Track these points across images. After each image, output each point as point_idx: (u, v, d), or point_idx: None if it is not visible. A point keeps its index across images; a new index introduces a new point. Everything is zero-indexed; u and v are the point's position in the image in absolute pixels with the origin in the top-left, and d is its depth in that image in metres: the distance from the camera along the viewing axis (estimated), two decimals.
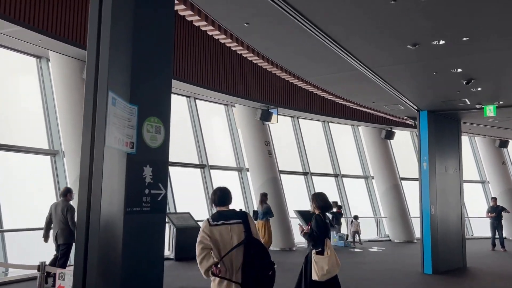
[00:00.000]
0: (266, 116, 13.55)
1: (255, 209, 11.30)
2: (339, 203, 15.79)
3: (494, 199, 14.31)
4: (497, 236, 13.98)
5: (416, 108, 9.52)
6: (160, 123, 3.11)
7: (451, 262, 10.02)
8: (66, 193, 7.21)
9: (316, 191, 5.48)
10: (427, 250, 9.60)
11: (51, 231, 7.19)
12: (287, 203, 14.72)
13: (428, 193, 9.61)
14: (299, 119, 16.15)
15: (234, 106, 14.29)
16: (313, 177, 15.96)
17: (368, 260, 11.41)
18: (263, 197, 10.88)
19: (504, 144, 18.52)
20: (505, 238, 14.19)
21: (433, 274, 9.38)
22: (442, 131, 10.11)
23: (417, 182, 18.79)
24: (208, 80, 12.01)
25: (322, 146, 16.85)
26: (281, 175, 15.02)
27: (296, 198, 15.90)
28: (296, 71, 7.22)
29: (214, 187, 4.21)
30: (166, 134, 3.19)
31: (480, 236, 16.93)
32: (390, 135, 16.90)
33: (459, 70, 6.77)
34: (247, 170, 14.12)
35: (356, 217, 14.82)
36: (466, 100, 8.71)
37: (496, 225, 13.90)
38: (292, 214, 14.16)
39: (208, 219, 3.71)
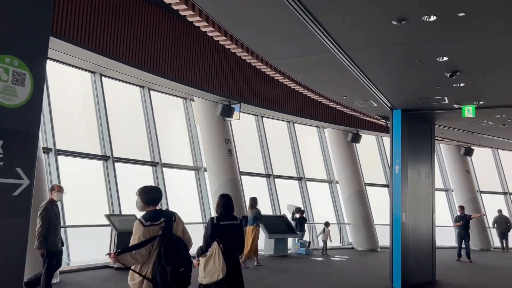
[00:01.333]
0: (227, 112, 12.39)
1: (245, 214, 10.85)
2: (302, 208, 14.82)
3: (461, 207, 13.70)
4: (463, 246, 13.36)
5: (389, 106, 8.62)
6: (24, 68, 1.87)
7: (420, 275, 9.16)
8: (51, 191, 6.43)
9: (223, 193, 5.23)
10: (397, 262, 8.69)
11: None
12: (247, 207, 13.58)
13: (399, 199, 8.71)
14: (263, 118, 15.09)
15: (193, 100, 13.06)
16: (275, 179, 14.92)
17: (332, 271, 10.43)
18: (253, 202, 10.60)
19: (469, 152, 18.13)
20: (471, 249, 13.60)
21: None
22: (416, 133, 9.28)
23: (381, 189, 18.35)
24: (164, 67, 10.74)
25: (286, 147, 15.86)
26: (242, 176, 13.90)
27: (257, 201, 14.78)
28: (259, 49, 6.12)
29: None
30: (37, 89, 1.94)
31: (443, 246, 16.38)
32: (356, 138, 16.11)
33: (445, 58, 5.86)
34: (205, 170, 12.90)
35: (327, 224, 13.83)
36: (445, 98, 7.88)
37: (464, 235, 13.27)
38: None
39: (140, 220, 3.58)
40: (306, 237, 14.31)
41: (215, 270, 4.55)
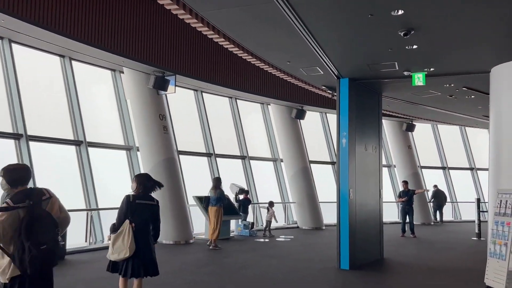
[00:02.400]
0: (161, 84, 11.16)
1: (208, 194, 10.55)
2: (246, 188, 14.01)
3: (405, 182, 13.46)
4: (407, 221, 13.18)
5: (336, 74, 7.85)
6: None
7: (368, 254, 8.64)
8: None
9: (141, 172, 5.20)
10: (344, 242, 8.07)
11: None
12: (186, 189, 12.55)
13: (347, 175, 8.05)
14: (203, 93, 13.98)
15: (123, 72, 11.69)
16: (217, 158, 13.95)
17: (276, 253, 9.71)
18: (217, 182, 10.40)
19: (410, 128, 18.10)
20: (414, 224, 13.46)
21: (351, 269, 7.88)
22: (363, 104, 8.62)
23: (326, 166, 17.96)
24: (87, 33, 9.32)
25: (228, 125, 14.89)
26: (180, 156, 12.81)
27: (197, 182, 13.79)
28: None
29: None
30: None
31: (386, 221, 16.25)
32: (301, 115, 15.44)
33: (401, 12, 5.09)
34: (137, 149, 11.66)
35: (271, 204, 13.08)
36: (396, 64, 7.21)
37: (408, 210, 13.06)
38: (191, 201, 12.04)
39: (7, 202, 3.23)
40: (250, 218, 13.55)
41: (123, 248, 4.61)
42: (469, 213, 19.13)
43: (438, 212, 17.66)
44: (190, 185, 12.88)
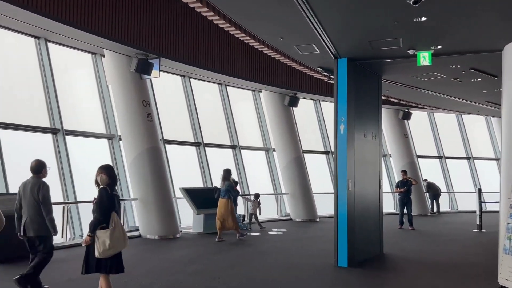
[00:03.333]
0: (144, 68, 10.33)
1: (218, 186, 10.27)
2: (236, 179, 13.27)
3: (404, 172, 12.79)
4: (405, 212, 12.55)
5: (334, 52, 7.09)
6: None
7: (368, 250, 7.96)
8: (41, 169, 5.37)
9: (105, 164, 4.77)
10: (342, 237, 7.37)
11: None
12: (173, 180, 11.80)
13: (345, 164, 7.32)
14: (191, 79, 13.17)
15: (104, 56, 10.83)
16: (206, 148, 13.19)
17: (268, 249, 9.01)
18: (226, 174, 10.02)
19: (407, 116, 17.45)
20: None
21: (349, 267, 7.19)
22: (362, 88, 7.88)
23: (320, 156, 17.26)
24: (64, 11, 8.45)
25: (218, 113, 14.10)
26: (167, 145, 12.03)
27: (185, 173, 13.05)
28: None
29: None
30: None
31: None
32: (294, 102, 14.68)
33: None
34: (120, 138, 10.85)
35: (257, 196, 12.37)
36: (400, 40, 6.47)
37: (406, 201, 12.42)
38: (178, 193, 11.29)
39: None
40: (241, 211, 12.83)
41: (122, 240, 4.50)
42: (466, 204, 18.64)
43: (434, 202, 17.09)
44: (177, 176, 12.13)
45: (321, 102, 16.34)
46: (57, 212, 8.92)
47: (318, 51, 6.98)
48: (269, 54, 7.26)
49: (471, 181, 19.10)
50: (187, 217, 11.39)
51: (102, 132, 11.01)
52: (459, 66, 7.71)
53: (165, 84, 12.77)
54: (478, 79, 8.65)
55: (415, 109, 17.25)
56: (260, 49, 7.05)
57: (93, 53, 11.08)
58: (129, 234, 10.15)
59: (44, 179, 5.37)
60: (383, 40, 6.45)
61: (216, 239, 9.69)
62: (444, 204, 17.70)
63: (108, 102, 11.09)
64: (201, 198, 10.91)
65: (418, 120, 18.41)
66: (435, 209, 17.09)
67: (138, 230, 10.25)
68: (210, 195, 11.34)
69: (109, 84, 10.94)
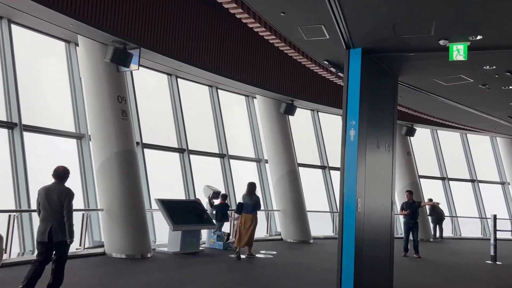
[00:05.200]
0: (121, 59, 8.86)
1: (241, 200, 9.40)
2: (224, 191, 11.76)
3: (410, 192, 11.32)
4: (410, 238, 11.07)
5: (346, 39, 5.68)
6: None
7: (376, 282, 6.47)
8: (67, 177, 5.37)
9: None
10: (348, 268, 5.85)
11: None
12: (150, 190, 10.26)
13: (355, 179, 5.85)
14: (178, 79, 11.71)
15: (78, 45, 9.37)
16: (191, 155, 11.67)
17: (254, 278, 7.45)
18: (254, 187, 9.47)
19: (410, 132, 16.13)
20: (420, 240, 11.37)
21: None
22: (376, 88, 6.49)
23: (315, 170, 15.82)
24: None
25: (207, 117, 12.63)
26: (145, 150, 10.51)
27: (166, 183, 11.51)
28: None
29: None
30: None
31: None
32: (290, 110, 13.27)
33: None
34: (90, 138, 9.31)
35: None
36: (433, 25, 5.08)
37: (412, 225, 10.93)
38: (155, 204, 9.71)
39: None
40: (226, 228, 11.28)
41: None
42: (469, 229, 17.28)
43: (437, 226, 15.64)
44: (156, 186, 10.59)
45: (319, 112, 14.96)
46: (1, 222, 7.38)
47: (328, 37, 5.56)
48: (266, 36, 5.84)
49: (474, 205, 17.72)
50: (163, 233, 9.80)
51: (71, 130, 9.47)
52: (494, 67, 6.34)
53: (149, 81, 11.32)
54: (510, 87, 7.29)
55: (419, 125, 15.96)
56: (253, 27, 5.60)
57: (67, 41, 9.62)
58: (91, 251, 8.56)
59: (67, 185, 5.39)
60: (411, 24, 5.05)
61: (247, 254, 9.25)
62: (446, 229, 16.25)
63: (79, 97, 9.58)
64: (180, 211, 9.36)
65: (420, 138, 17.09)
66: (437, 234, 15.63)
67: (103, 246, 8.66)
68: (190, 209, 9.81)
69: (82, 76, 9.46)
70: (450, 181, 17.51)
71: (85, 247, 8.58)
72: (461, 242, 15.24)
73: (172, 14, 9.76)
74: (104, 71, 9.01)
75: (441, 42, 5.47)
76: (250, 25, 5.60)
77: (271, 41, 6.12)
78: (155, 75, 11.22)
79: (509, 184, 17.92)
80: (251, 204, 9.16)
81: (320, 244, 12.56)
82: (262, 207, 10.36)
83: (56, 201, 5.14)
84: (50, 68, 9.83)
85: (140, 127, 10.40)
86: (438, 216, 15.57)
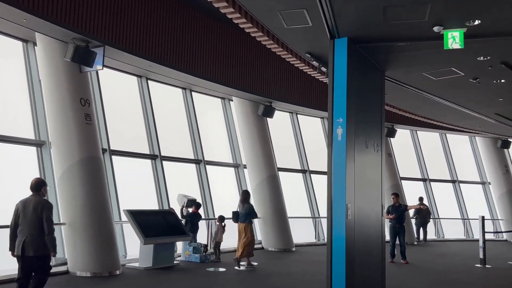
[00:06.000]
0: (83, 58, 8.06)
1: (235, 210, 9.18)
2: (200, 199, 11.01)
3: (396, 195, 10.85)
4: (397, 242, 10.56)
5: (331, 27, 5.08)
6: None
7: None
8: (40, 187, 5.30)
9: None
10: (339, 281, 5.24)
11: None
12: (119, 201, 9.44)
13: (344, 183, 5.24)
14: (148, 81, 10.95)
15: (36, 45, 8.52)
16: (164, 162, 10.88)
17: None
18: (247, 195, 9.29)
19: (391, 133, 15.74)
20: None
21: None
22: (363, 82, 5.93)
23: (295, 174, 15.22)
24: None
25: (180, 122, 11.89)
26: (113, 156, 9.69)
27: (136, 192, 10.68)
28: None
29: None
30: None
31: None
32: (269, 112, 12.64)
33: None
34: (50, 145, 8.44)
35: (221, 219, 10.09)
36: (428, 8, 4.54)
37: (398, 229, 10.44)
38: (124, 216, 8.88)
39: None
40: (204, 239, 10.53)
41: None
42: (451, 231, 16.98)
43: (422, 229, 15.26)
44: (125, 195, 9.77)
45: (298, 115, 14.41)
46: None
47: (311, 24, 4.95)
48: (241, 24, 5.19)
49: (456, 206, 17.46)
50: (135, 247, 8.98)
51: (30, 137, 8.58)
52: (489, 57, 5.86)
53: (117, 82, 10.51)
54: (502, 80, 6.86)
55: (400, 125, 15.60)
56: (227, 12, 4.94)
57: (25, 41, 8.76)
58: (53, 269, 7.67)
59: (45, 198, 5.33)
60: (404, 6, 4.49)
61: (246, 266, 8.92)
62: (429, 231, 15.88)
63: (39, 101, 8.72)
64: (152, 223, 8.59)
65: (400, 139, 16.74)
66: (421, 237, 15.24)
67: (66, 264, 7.79)
68: (164, 220, 9.03)
69: (41, 78, 8.61)
70: (431, 182, 17.20)
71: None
72: (446, 245, 14.90)
73: (140, 9, 9.03)
74: (65, 72, 8.19)
75: (436, 28, 4.94)
76: (223, 10, 4.93)
77: (247, 30, 5.47)
78: (124, 76, 10.43)
79: (489, 184, 17.74)
80: (243, 213, 8.90)
81: (303, 252, 11.95)
82: (258, 215, 9.74)
83: (32, 213, 5.07)
84: (6, 70, 8.93)
85: (107, 132, 9.58)
86: (422, 219, 15.18)
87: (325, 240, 13.89)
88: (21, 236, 5.07)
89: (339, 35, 5.28)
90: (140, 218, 8.33)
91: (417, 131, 17.15)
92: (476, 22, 4.81)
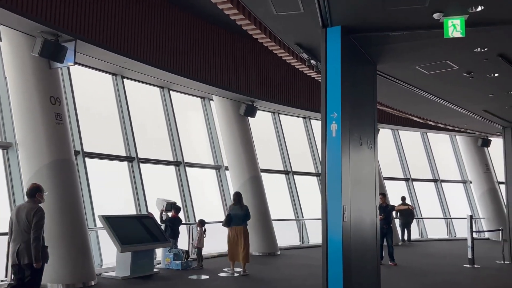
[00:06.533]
0: (53, 53, 7.45)
1: (229, 212, 8.68)
2: (179, 203, 10.47)
3: (383, 195, 10.56)
4: (384, 244, 10.27)
5: (324, 14, 4.70)
6: None
7: None
8: (35, 193, 5.20)
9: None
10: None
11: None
12: (93, 206, 8.84)
13: (339, 183, 4.84)
14: (124, 79, 10.37)
15: (0, 39, 7.87)
16: (141, 164, 10.31)
17: None
18: (240, 196, 8.86)
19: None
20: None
21: None
22: (356, 75, 5.57)
23: (278, 176, 14.82)
24: None
25: (158, 122, 11.34)
26: (86, 159, 9.08)
27: (112, 196, 10.09)
28: None
29: None
30: None
31: None
32: (251, 112, 12.21)
33: None
34: (17, 147, 7.79)
35: (202, 223, 9.57)
36: None
37: (386, 230, 10.15)
38: (100, 223, 8.29)
39: None
40: (185, 245, 10.01)
41: None
42: (434, 231, 16.90)
43: (406, 230, 15.07)
44: (101, 200, 9.17)
45: (280, 114, 14.04)
46: None
47: (302, 10, 4.55)
48: (226, 10, 4.73)
49: (438, 205, 17.40)
50: (111, 255, 8.39)
51: None
52: (486, 49, 5.59)
53: (91, 80, 9.91)
54: (496, 74, 6.62)
55: (381, 125, 15.41)
56: None
57: None
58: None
59: (40, 205, 5.20)
60: None
61: (242, 272, 8.49)
62: (412, 231, 15.72)
63: (5, 100, 8.06)
64: (130, 229, 8.03)
65: (382, 138, 16.57)
66: (405, 238, 15.06)
67: None
68: (142, 225, 8.48)
69: (7, 75, 7.96)
70: (413, 182, 17.10)
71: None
72: (430, 245, 14.76)
73: (115, 1, 8.47)
74: (33, 68, 7.57)
75: (436, 15, 4.61)
76: None
77: (232, 17, 5.02)
78: (98, 73, 9.83)
79: (470, 182, 17.77)
80: (242, 214, 8.50)
81: (288, 255, 11.55)
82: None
83: (24, 220, 5.01)
84: None
85: (80, 133, 8.97)
86: (405, 220, 15.00)
87: (309, 242, 13.65)
88: (15, 244, 5.04)
89: (332, 24, 4.89)
90: (117, 224, 7.75)
91: (399, 131, 17.03)
92: (479, 8, 4.51)
